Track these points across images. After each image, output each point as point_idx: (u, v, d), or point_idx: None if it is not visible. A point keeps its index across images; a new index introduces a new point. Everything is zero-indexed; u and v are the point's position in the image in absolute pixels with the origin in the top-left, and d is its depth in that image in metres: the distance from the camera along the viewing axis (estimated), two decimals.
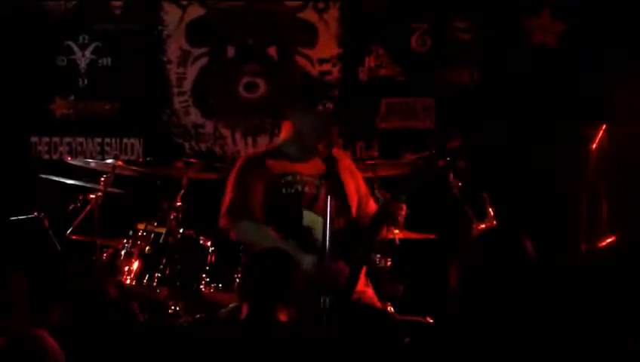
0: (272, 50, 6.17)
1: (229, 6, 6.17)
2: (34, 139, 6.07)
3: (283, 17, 6.19)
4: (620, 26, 5.87)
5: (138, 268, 4.53)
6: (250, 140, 6.14)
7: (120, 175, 5.06)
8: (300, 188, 3.76)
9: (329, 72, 6.15)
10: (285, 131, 3.95)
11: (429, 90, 6.17)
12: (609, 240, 5.07)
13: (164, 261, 4.52)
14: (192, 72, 6.16)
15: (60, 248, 5.00)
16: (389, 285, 4.55)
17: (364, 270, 3.78)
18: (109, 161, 5.11)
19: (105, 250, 4.77)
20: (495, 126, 5.93)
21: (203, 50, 6.17)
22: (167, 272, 4.51)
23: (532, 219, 5.24)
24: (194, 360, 3.58)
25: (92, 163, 5.17)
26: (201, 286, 4.35)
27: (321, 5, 6.18)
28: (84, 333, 3.65)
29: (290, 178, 3.77)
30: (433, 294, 3.76)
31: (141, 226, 4.67)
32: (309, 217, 3.71)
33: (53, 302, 3.92)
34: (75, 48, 6.12)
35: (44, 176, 5.23)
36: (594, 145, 5.46)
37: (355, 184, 3.94)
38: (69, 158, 5.59)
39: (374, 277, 4.02)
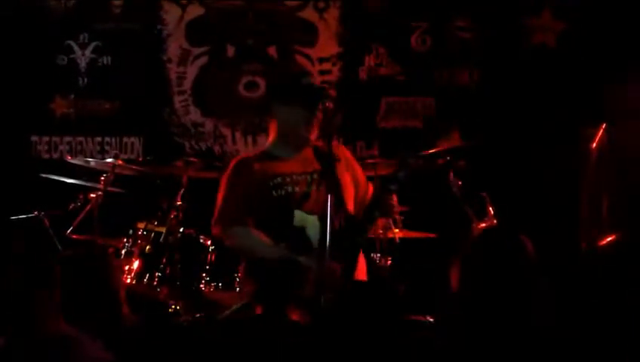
0: (272, 50, 6.17)
1: (228, 5, 6.16)
2: (34, 138, 6.07)
3: (283, 16, 6.19)
4: (619, 25, 5.88)
5: (138, 267, 4.54)
6: (250, 139, 6.14)
7: (120, 174, 5.06)
8: (290, 188, 3.75)
9: (329, 71, 6.16)
10: (272, 131, 3.94)
11: (429, 89, 6.17)
12: (609, 239, 5.07)
13: (164, 260, 4.53)
14: (191, 71, 6.16)
15: (60, 247, 4.99)
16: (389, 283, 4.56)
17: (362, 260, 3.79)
18: (109, 160, 5.11)
19: (105, 249, 4.77)
20: (495, 126, 5.94)
21: (203, 49, 6.17)
22: (168, 271, 4.52)
23: (532, 219, 5.24)
24: (194, 359, 3.59)
25: (92, 162, 5.16)
26: (201, 285, 4.36)
27: (321, 4, 6.18)
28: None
29: (279, 180, 3.76)
30: (433, 294, 3.76)
31: (141, 225, 4.67)
32: (299, 216, 3.69)
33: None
34: (75, 47, 6.11)
35: (44, 175, 5.23)
36: (594, 145, 5.46)
37: (351, 174, 3.92)
38: (69, 157, 5.58)
39: (374, 277, 4.02)
